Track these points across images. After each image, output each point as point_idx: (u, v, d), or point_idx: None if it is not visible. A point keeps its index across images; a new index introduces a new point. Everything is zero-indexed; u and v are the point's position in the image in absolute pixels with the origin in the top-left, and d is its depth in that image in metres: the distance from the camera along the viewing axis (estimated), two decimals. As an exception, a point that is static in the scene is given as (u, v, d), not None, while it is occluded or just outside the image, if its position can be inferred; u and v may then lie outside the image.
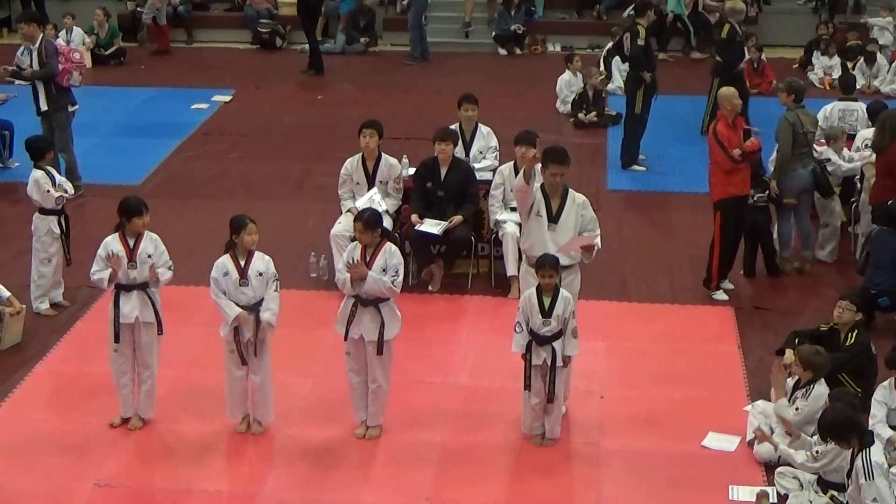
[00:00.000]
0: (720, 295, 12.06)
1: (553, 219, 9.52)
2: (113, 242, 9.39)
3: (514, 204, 11.59)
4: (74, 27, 21.23)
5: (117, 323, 9.37)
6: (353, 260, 9.14)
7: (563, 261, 9.41)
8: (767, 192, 12.35)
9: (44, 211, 11.41)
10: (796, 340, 9.97)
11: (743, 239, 12.29)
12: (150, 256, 9.36)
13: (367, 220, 9.24)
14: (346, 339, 9.27)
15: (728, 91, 12.04)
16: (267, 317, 9.24)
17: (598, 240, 9.61)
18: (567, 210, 9.53)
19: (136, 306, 9.38)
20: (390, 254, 9.24)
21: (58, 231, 11.41)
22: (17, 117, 15.32)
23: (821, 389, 9.06)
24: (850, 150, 13.50)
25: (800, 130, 12.37)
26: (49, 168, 11.61)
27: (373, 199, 11.83)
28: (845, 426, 7.97)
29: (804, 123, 12.43)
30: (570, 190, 9.65)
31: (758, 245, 12.48)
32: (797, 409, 9.07)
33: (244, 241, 9.23)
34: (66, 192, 11.52)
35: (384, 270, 9.13)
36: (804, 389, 9.14)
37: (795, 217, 12.71)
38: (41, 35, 14.48)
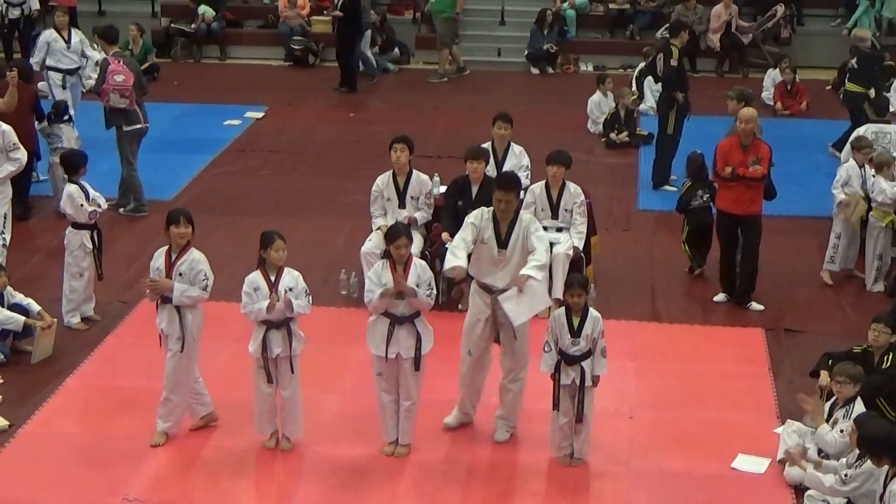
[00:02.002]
0: (719, 297, 12.37)
1: (502, 244, 9.44)
2: (159, 255, 9.44)
3: (546, 223, 11.62)
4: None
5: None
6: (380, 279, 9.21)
7: (506, 284, 9.37)
8: (710, 193, 12.72)
9: (77, 225, 11.46)
10: (829, 362, 9.90)
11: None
12: (181, 275, 9.33)
13: (408, 231, 9.40)
14: (386, 360, 9.28)
15: (746, 113, 12.04)
16: (296, 303, 9.25)
17: (539, 266, 9.29)
18: (515, 234, 9.44)
19: (164, 319, 9.42)
20: (422, 268, 9.30)
21: (90, 245, 11.45)
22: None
23: (860, 408, 8.97)
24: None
25: None
26: (83, 182, 11.65)
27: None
28: (885, 442, 7.92)
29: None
30: (522, 213, 9.63)
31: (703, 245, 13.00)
32: (841, 430, 8.93)
33: (271, 258, 9.25)
34: (99, 206, 11.55)
35: (417, 285, 9.17)
36: (845, 409, 9.05)
37: None
38: (112, 51, 14.63)
